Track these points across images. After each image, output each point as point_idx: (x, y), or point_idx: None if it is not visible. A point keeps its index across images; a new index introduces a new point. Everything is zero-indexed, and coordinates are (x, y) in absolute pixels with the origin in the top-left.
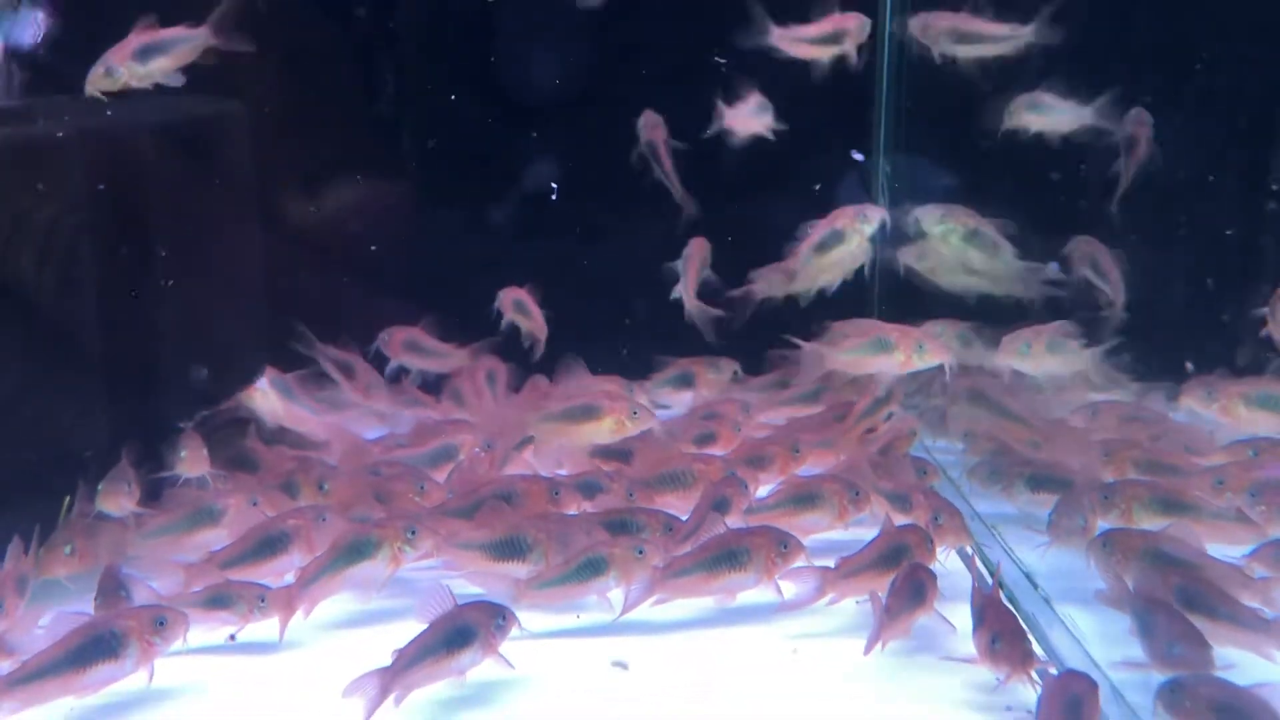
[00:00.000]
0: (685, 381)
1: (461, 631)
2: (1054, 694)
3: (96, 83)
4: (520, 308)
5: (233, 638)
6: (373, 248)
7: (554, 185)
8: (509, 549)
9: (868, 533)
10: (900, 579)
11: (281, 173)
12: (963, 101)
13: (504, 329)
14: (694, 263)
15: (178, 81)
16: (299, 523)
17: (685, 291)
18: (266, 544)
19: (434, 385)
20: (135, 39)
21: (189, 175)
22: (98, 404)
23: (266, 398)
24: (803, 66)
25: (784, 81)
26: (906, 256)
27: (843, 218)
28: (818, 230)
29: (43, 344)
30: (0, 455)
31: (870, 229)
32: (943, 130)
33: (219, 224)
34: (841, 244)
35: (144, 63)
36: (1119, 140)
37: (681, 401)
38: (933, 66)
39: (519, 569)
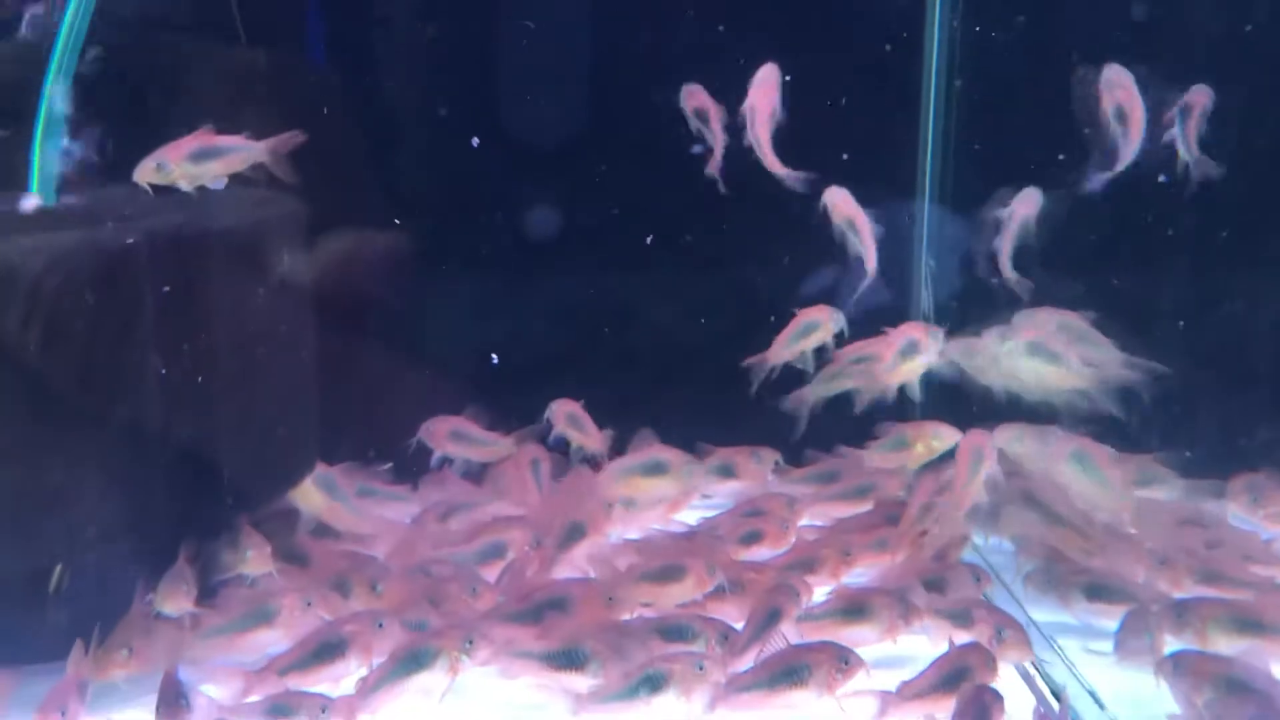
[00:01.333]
0: (726, 472)
1: None
2: None
3: (145, 174)
4: (574, 421)
5: None
6: (415, 337)
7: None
8: (567, 659)
9: (919, 644)
10: (965, 699)
11: (330, 270)
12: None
13: (552, 441)
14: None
15: (220, 185)
16: (356, 629)
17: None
18: (325, 650)
19: (478, 475)
20: (193, 140)
21: (250, 277)
22: (158, 501)
23: (312, 496)
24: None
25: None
26: (954, 352)
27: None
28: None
29: (110, 444)
30: (64, 552)
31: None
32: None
33: (275, 323)
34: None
35: (196, 164)
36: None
37: (723, 491)
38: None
39: (577, 680)
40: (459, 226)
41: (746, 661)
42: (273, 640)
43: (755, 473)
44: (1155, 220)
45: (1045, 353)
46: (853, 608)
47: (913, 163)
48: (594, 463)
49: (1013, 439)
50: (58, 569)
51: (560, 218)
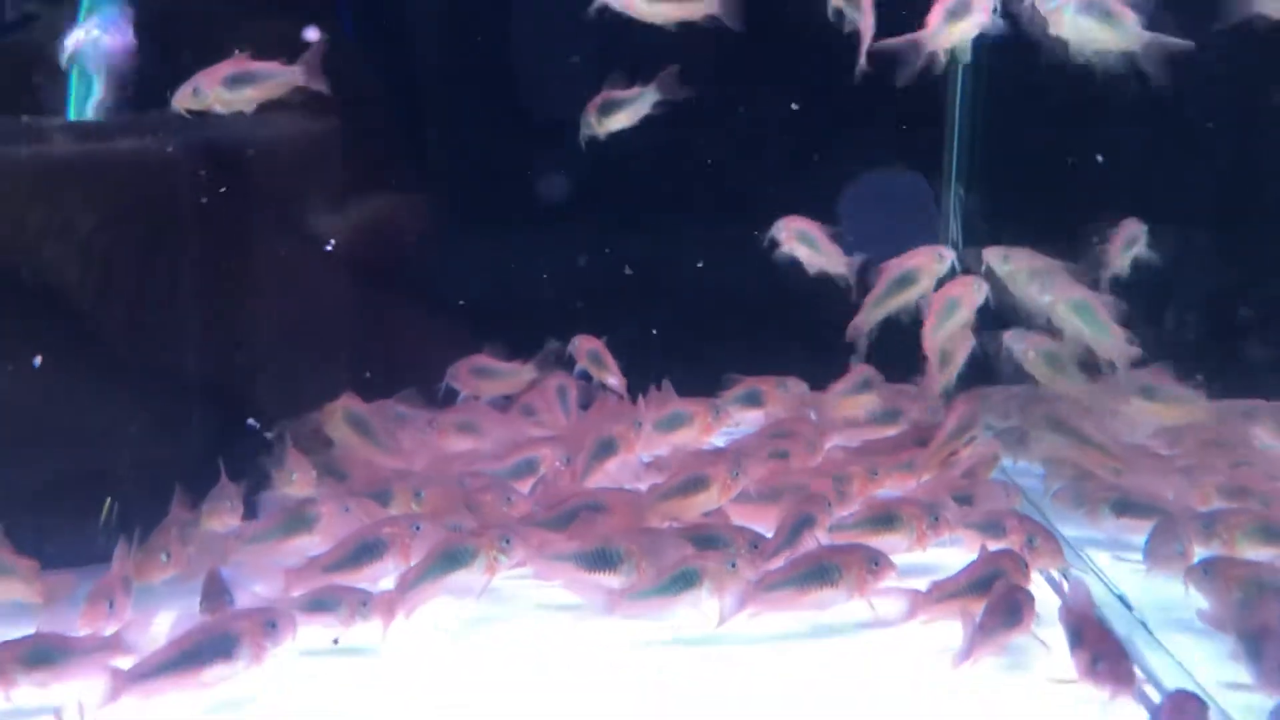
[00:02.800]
0: (754, 400)
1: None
2: (1169, 715)
3: (183, 100)
4: (594, 358)
5: (336, 641)
6: (447, 268)
7: None
8: (600, 560)
9: (948, 555)
10: (997, 596)
11: (369, 193)
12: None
13: (577, 376)
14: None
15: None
16: (395, 530)
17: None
18: (364, 550)
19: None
20: (228, 66)
21: (288, 192)
22: (192, 412)
23: (340, 428)
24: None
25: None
26: (991, 257)
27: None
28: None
29: (144, 353)
30: (99, 465)
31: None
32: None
33: (313, 240)
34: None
35: (231, 90)
36: None
37: (749, 420)
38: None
39: (610, 580)
40: (485, 186)
41: (779, 564)
42: (312, 546)
43: (782, 400)
44: None
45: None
46: (882, 517)
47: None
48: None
49: (999, 259)
50: (108, 502)
51: (586, 165)
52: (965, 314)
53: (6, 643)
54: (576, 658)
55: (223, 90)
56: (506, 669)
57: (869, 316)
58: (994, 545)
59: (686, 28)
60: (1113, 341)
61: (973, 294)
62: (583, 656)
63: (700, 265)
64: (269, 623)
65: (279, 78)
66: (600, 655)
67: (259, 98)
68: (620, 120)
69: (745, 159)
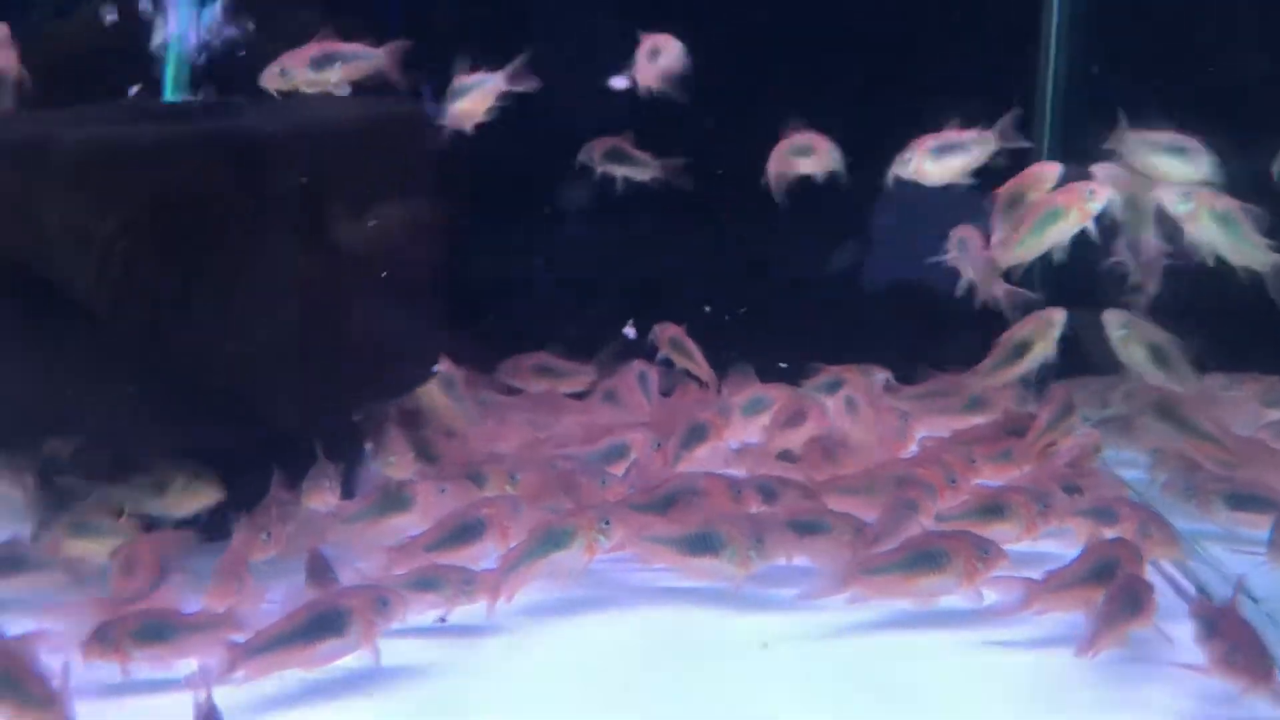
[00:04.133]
0: (836, 389)
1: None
2: None
3: (270, 81)
4: (677, 345)
5: (442, 619)
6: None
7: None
8: (702, 544)
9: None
10: (1118, 586)
11: (458, 178)
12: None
13: (658, 362)
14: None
15: (344, 90)
16: (494, 513)
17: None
18: (465, 531)
19: None
20: (314, 47)
21: (380, 174)
22: (291, 391)
23: (435, 395)
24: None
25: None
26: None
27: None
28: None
29: (247, 327)
30: (201, 440)
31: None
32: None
33: (403, 221)
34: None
35: (318, 70)
36: None
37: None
38: None
39: (711, 564)
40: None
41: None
42: (408, 525)
43: (866, 388)
44: None
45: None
46: (991, 506)
47: None
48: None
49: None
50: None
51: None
52: (1069, 227)
53: (121, 618)
54: (676, 636)
55: (309, 70)
56: (606, 650)
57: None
58: (1107, 533)
59: None
60: (1254, 251)
61: (1084, 204)
62: (681, 635)
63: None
64: (381, 600)
65: (364, 60)
66: (701, 634)
67: (344, 78)
68: (335, 75)
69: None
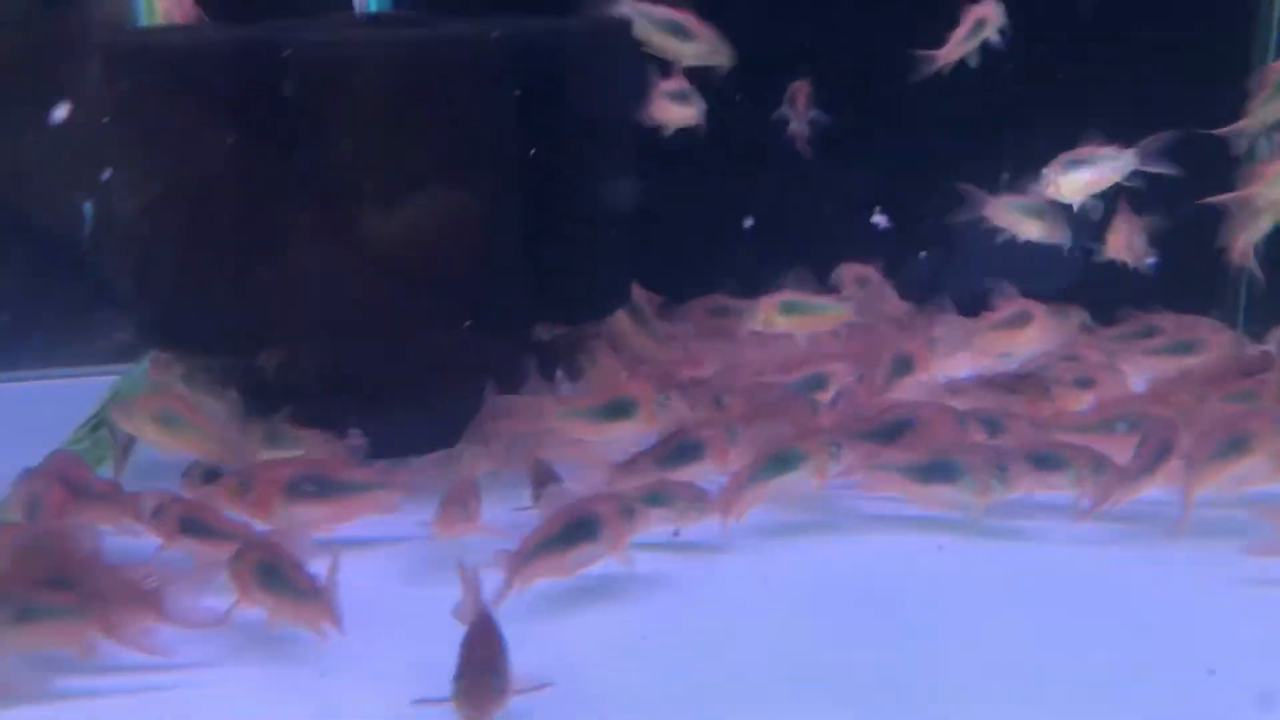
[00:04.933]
0: (1023, 321)
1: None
2: None
3: None
4: (865, 283)
5: (676, 533)
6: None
7: None
8: (937, 472)
9: None
10: None
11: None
12: None
13: None
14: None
15: None
16: (712, 434)
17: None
18: (683, 450)
19: None
20: None
21: (593, 88)
22: (509, 307)
23: (622, 321)
24: None
25: None
26: None
27: None
28: None
29: (473, 245)
30: (418, 359)
31: None
32: None
33: (611, 138)
34: None
35: None
36: None
37: (1023, 346)
38: None
39: (947, 493)
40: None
41: (1133, 495)
42: (628, 434)
43: (1060, 328)
44: None
45: None
46: (1238, 439)
47: None
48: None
49: None
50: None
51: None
52: None
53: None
54: (894, 561)
55: None
56: (829, 574)
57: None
58: None
59: None
60: None
61: None
62: (900, 561)
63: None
64: (625, 509)
65: None
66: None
67: None
68: None
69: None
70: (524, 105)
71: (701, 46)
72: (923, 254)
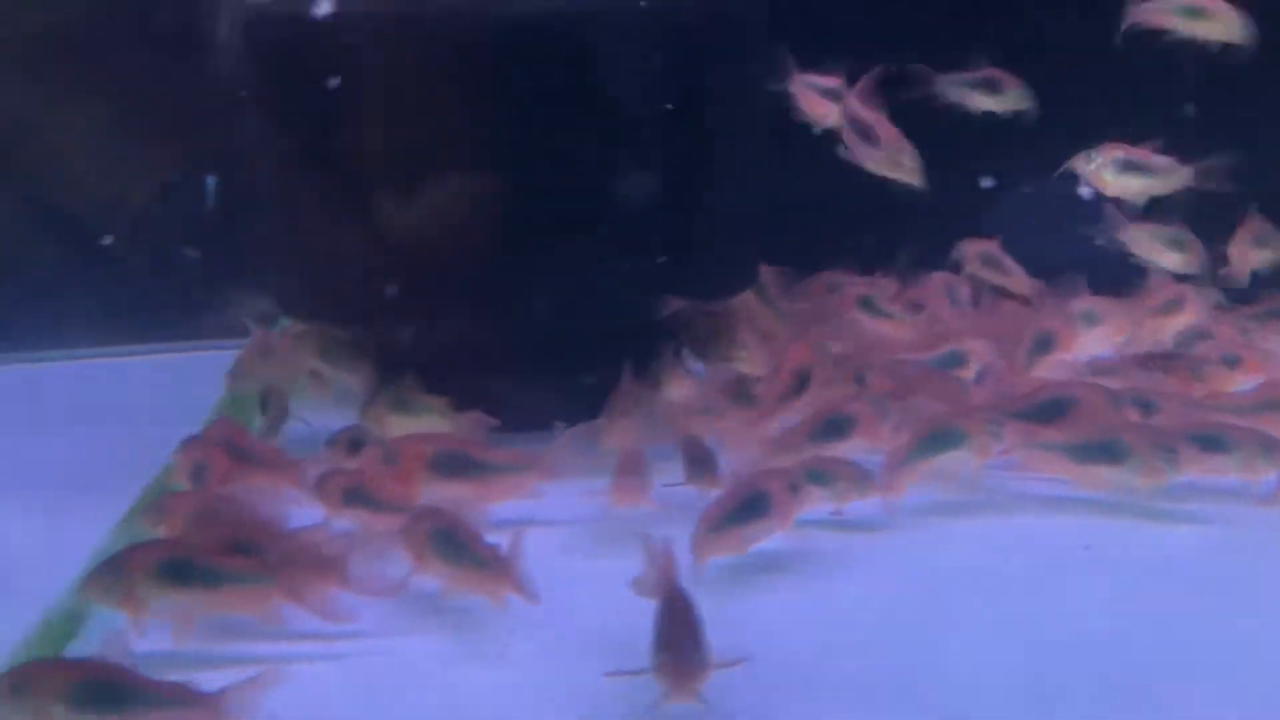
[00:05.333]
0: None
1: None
2: None
3: None
4: (990, 260)
5: (838, 513)
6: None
7: None
8: (1102, 453)
9: None
10: None
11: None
12: None
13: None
14: None
15: None
16: (861, 410)
17: None
18: (833, 426)
19: None
20: None
21: (731, 67)
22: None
23: (750, 298)
24: None
25: None
26: None
27: None
28: None
29: (605, 215)
30: (570, 321)
31: None
32: None
33: (743, 112)
34: None
35: None
36: None
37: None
38: None
39: (1112, 474)
40: None
41: None
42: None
43: (1197, 307)
44: None
45: None
46: None
47: None
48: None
49: None
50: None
51: None
52: None
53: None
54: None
55: None
56: (990, 553)
57: None
58: None
59: None
60: None
61: None
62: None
63: None
64: (791, 485)
65: None
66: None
67: None
68: None
69: None
70: (665, 75)
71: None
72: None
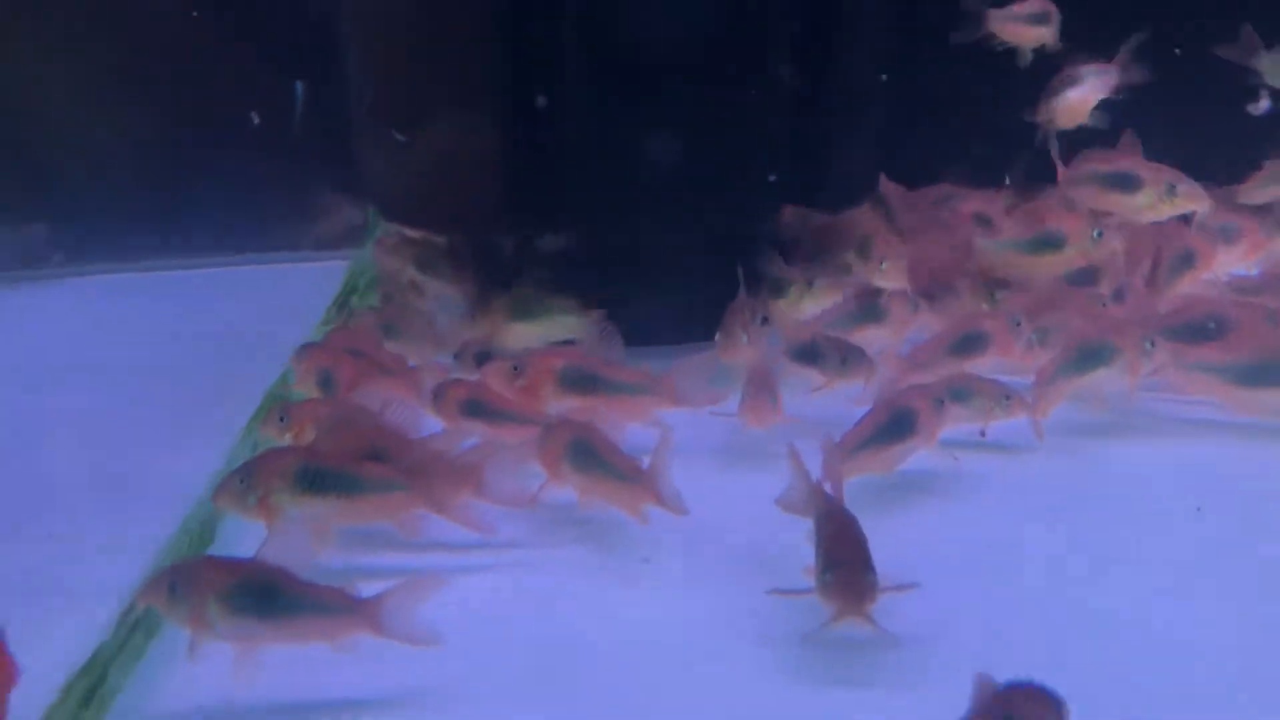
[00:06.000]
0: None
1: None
2: None
3: None
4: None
5: (983, 434)
6: None
7: None
8: (1264, 376)
9: None
10: None
11: None
12: None
13: None
14: None
15: None
16: (995, 325)
17: None
18: (967, 342)
19: None
20: None
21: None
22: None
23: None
24: None
25: None
26: None
27: None
28: None
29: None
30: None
31: None
32: None
33: (866, 28)
34: None
35: None
36: None
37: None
38: None
39: (1273, 399)
40: None
41: None
42: (879, 338)
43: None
44: None
45: None
46: None
47: None
48: None
49: None
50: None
51: None
52: None
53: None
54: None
55: None
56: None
57: None
58: None
59: None
60: None
61: None
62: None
63: None
64: (937, 401)
65: None
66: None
67: None
68: None
69: None
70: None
71: None
72: None
